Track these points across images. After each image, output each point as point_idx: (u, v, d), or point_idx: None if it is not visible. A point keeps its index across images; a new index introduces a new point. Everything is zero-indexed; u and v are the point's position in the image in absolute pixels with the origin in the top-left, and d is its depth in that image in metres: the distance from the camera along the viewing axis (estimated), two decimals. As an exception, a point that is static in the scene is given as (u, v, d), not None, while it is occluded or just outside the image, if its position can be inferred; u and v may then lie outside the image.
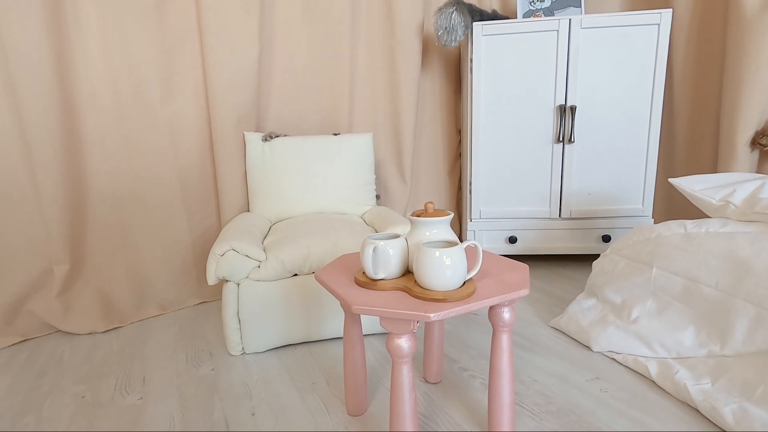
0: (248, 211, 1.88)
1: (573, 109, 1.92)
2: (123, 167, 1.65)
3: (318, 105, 2.00)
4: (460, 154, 2.40)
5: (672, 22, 1.96)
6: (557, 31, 1.89)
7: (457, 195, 2.43)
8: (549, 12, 2.08)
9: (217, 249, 1.30)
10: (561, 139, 1.97)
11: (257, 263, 1.34)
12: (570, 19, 1.87)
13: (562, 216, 2.05)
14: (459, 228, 2.44)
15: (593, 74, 1.91)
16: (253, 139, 1.79)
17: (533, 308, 1.65)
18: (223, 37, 1.71)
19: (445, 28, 1.89)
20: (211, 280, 1.30)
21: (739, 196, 1.26)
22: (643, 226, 1.39)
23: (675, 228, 1.28)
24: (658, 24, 1.84)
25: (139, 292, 1.72)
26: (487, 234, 2.12)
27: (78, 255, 1.62)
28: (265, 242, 1.46)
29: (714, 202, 1.30)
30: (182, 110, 1.74)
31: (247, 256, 1.33)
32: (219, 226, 1.89)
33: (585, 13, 2.06)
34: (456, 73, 2.33)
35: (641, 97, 1.91)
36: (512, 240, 2.10)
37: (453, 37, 1.90)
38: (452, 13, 1.87)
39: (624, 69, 1.89)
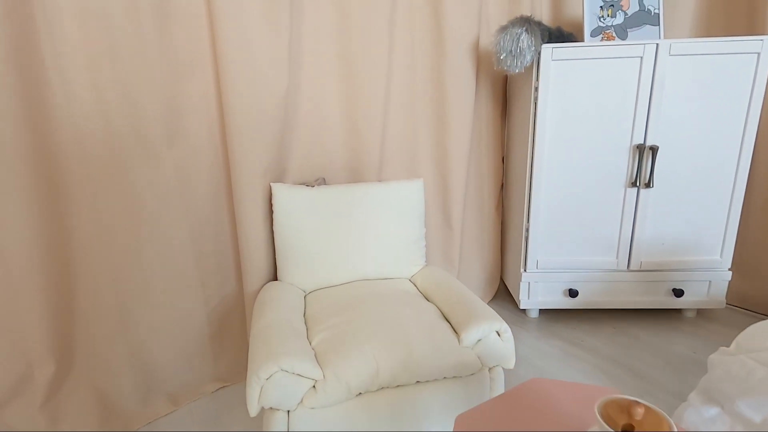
0: (274, 276, 1.55)
1: (654, 149, 1.65)
2: (119, 229, 1.29)
3: (351, 141, 1.66)
4: (503, 185, 2.12)
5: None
6: (641, 57, 1.59)
7: (501, 232, 2.15)
8: (621, 30, 1.78)
9: (262, 371, 0.98)
10: (636, 182, 1.70)
11: (312, 382, 1.04)
12: (657, 44, 1.57)
13: (631, 267, 1.80)
14: (501, 268, 2.18)
15: (679, 109, 1.63)
16: (282, 190, 1.45)
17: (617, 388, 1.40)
18: (245, 63, 1.34)
19: (511, 51, 1.57)
20: (253, 411, 0.99)
21: None
22: (777, 320, 1.15)
23: (834, 335, 1.04)
24: (758, 53, 1.56)
25: (144, 383, 1.39)
26: (543, 286, 1.86)
27: (65, 348, 1.28)
28: (314, 343, 1.15)
29: None
30: (193, 154, 1.38)
31: (299, 375, 1.02)
32: (239, 293, 1.55)
33: (664, 32, 1.77)
34: (502, 92, 2.02)
35: (730, 136, 1.65)
36: (573, 294, 1.84)
37: (519, 63, 1.58)
38: (521, 34, 1.54)
39: (714, 103, 1.62)
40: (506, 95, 2.04)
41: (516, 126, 1.92)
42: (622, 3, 1.77)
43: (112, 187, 1.27)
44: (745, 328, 1.82)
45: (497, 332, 1.16)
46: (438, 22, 1.70)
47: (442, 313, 1.29)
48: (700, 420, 1.19)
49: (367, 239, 1.50)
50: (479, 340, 1.15)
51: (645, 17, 1.76)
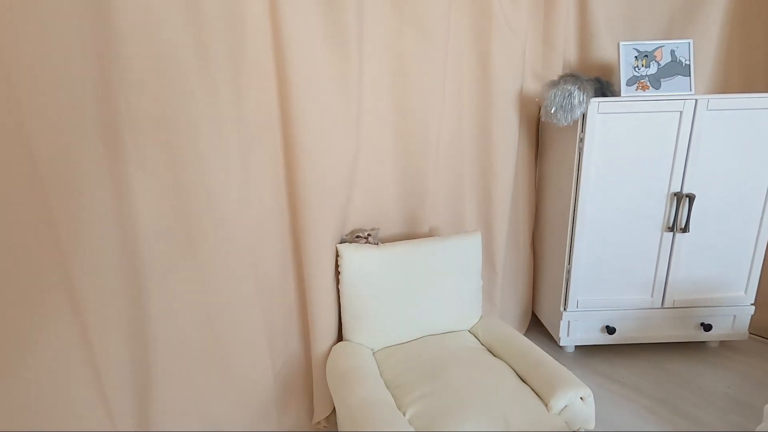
0: (338, 334, 1.54)
1: (691, 197, 1.74)
2: (191, 305, 1.26)
3: (404, 191, 1.67)
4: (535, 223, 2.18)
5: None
6: (681, 112, 1.68)
7: (534, 272, 2.21)
8: (655, 80, 1.86)
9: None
10: (673, 227, 1.79)
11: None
12: (696, 100, 1.66)
13: (665, 305, 1.90)
14: (531, 302, 2.24)
15: (713, 160, 1.72)
16: (350, 252, 1.45)
17: (674, 438, 1.49)
18: (316, 126, 1.33)
19: (562, 106, 1.62)
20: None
21: None
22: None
23: None
24: (786, 108, 1.68)
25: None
26: (582, 324, 1.94)
27: (139, 416, 1.24)
28: (408, 416, 1.16)
29: None
30: (261, 219, 1.36)
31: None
32: (304, 353, 1.54)
33: (695, 83, 1.86)
34: (535, 133, 2.07)
35: (759, 185, 1.76)
36: (611, 331, 1.93)
37: (569, 117, 1.63)
38: (573, 91, 1.59)
39: (744, 154, 1.72)
40: (538, 135, 2.09)
41: (552, 168, 1.98)
42: (655, 54, 1.85)
43: (186, 259, 1.23)
44: (765, 356, 1.97)
45: (581, 397, 1.21)
46: (485, 72, 1.73)
47: (517, 373, 1.33)
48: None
49: (430, 295, 1.52)
50: (565, 407, 1.19)
51: (677, 68, 1.85)
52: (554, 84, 1.63)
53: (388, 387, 1.29)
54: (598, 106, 1.66)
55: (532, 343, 1.42)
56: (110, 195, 1.07)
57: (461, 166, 1.81)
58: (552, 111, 1.64)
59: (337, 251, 1.47)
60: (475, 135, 1.80)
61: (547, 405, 1.20)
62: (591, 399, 1.21)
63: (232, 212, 1.26)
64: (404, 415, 1.16)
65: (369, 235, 1.50)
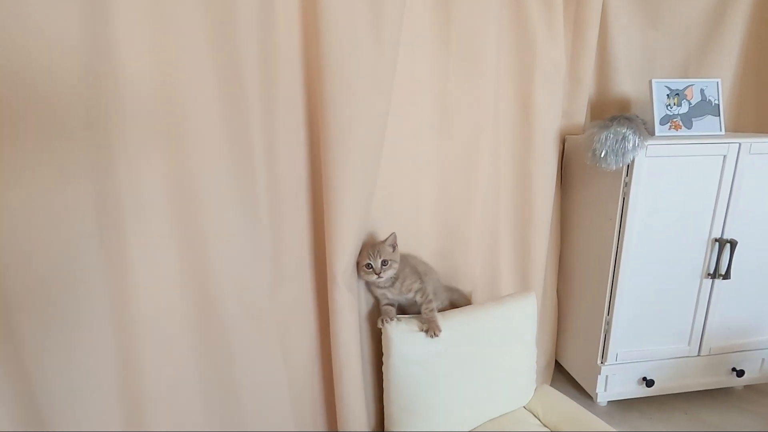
0: (377, 426, 1.27)
1: (733, 243, 1.67)
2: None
3: (442, 233, 1.45)
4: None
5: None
6: (725, 156, 1.60)
7: (557, 311, 2.06)
8: (686, 119, 1.79)
9: None
10: (713, 273, 1.71)
11: None
12: (740, 144, 1.59)
13: (701, 353, 1.82)
14: (554, 350, 2.09)
15: (751, 203, 1.67)
16: (398, 333, 1.19)
17: None
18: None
19: (614, 150, 1.48)
20: None
21: None
22: None
23: None
24: (819, 151, 1.66)
25: None
26: (619, 378, 1.80)
27: None
28: None
29: None
30: (293, 299, 1.07)
31: None
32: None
33: (725, 124, 1.82)
34: (559, 162, 1.92)
35: (789, 226, 1.73)
36: (649, 383, 1.81)
37: (620, 161, 1.50)
38: (627, 134, 1.46)
39: (779, 198, 1.68)
40: (562, 167, 1.95)
41: (582, 212, 1.84)
42: (686, 92, 1.78)
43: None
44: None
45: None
46: (526, 111, 1.56)
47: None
48: None
49: (487, 372, 1.29)
50: None
51: (707, 107, 1.79)
52: (605, 126, 1.49)
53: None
54: (647, 149, 1.54)
55: (607, 425, 1.23)
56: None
57: (496, 213, 1.61)
58: (602, 155, 1.49)
59: (381, 330, 1.21)
60: (512, 179, 1.62)
61: None
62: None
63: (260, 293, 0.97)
64: None
65: (383, 260, 1.19)
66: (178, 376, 0.93)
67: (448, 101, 1.33)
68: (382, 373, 1.24)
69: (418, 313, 1.25)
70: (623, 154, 1.47)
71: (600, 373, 1.79)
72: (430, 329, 1.20)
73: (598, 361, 1.79)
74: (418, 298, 1.25)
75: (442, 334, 1.22)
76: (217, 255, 0.91)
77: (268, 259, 1.02)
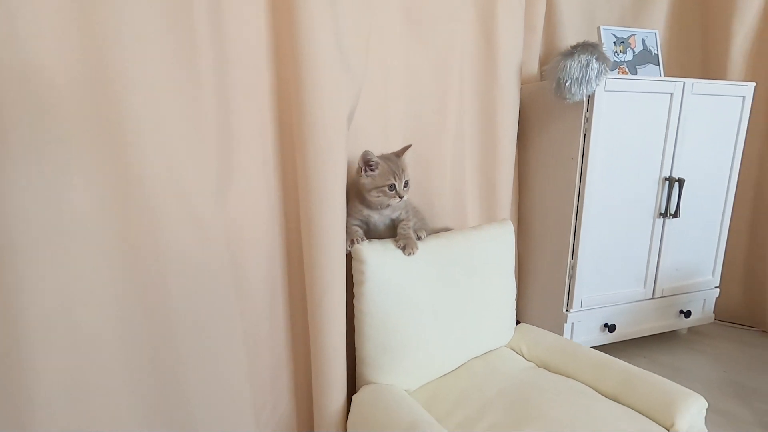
0: (350, 380, 1.06)
1: (681, 181, 1.72)
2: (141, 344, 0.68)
3: (414, 160, 1.30)
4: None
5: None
6: (672, 94, 1.65)
7: (518, 265, 1.99)
8: (632, 67, 1.84)
9: None
10: (665, 213, 1.75)
11: None
12: (684, 83, 1.66)
13: (655, 295, 1.85)
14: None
15: (692, 144, 1.74)
16: (373, 252, 1.01)
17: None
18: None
19: (576, 79, 1.45)
20: None
21: None
22: None
23: None
24: (744, 97, 1.78)
25: None
26: (585, 325, 1.77)
27: None
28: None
29: None
30: (245, 212, 0.84)
31: None
32: (298, 415, 1.02)
33: (664, 72, 1.90)
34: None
35: (721, 170, 1.84)
36: (611, 328, 1.79)
37: (583, 91, 1.47)
38: (591, 61, 1.43)
39: (710, 141, 1.78)
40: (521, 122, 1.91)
41: (541, 158, 1.81)
42: (630, 41, 1.84)
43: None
44: (730, 340, 2.05)
45: (696, 410, 0.97)
46: (489, 41, 1.49)
47: (598, 392, 1.04)
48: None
49: (470, 305, 1.15)
50: (689, 427, 0.93)
51: (648, 57, 1.87)
52: (569, 54, 1.46)
53: (464, 444, 0.87)
54: (605, 83, 1.53)
55: (602, 353, 1.15)
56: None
57: (462, 148, 1.51)
58: (567, 85, 1.46)
59: (351, 254, 1.02)
60: (477, 112, 1.53)
61: (670, 428, 0.92)
62: (704, 411, 0.98)
63: (205, 197, 0.74)
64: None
65: (406, 180, 1.04)
66: (103, 292, 0.67)
67: (418, 15, 1.20)
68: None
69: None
70: (588, 82, 1.45)
71: (566, 321, 1.73)
72: (408, 246, 1.04)
73: (564, 309, 1.74)
74: (402, 216, 1.09)
75: (421, 257, 1.06)
76: (151, 148, 0.68)
77: (213, 156, 0.79)
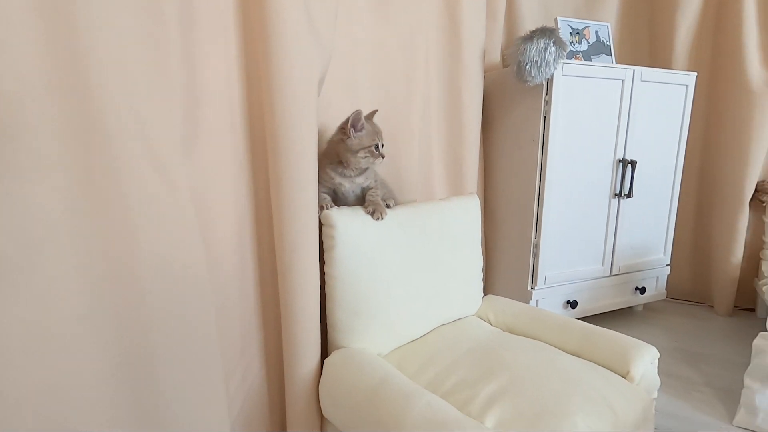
0: (330, 343, 1.06)
1: (633, 163, 1.83)
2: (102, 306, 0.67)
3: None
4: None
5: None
6: (623, 80, 1.76)
7: (485, 245, 2.05)
8: (587, 56, 1.95)
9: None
10: (619, 193, 1.85)
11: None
12: (634, 70, 1.77)
13: (612, 273, 1.95)
14: (484, 285, 2.07)
15: (642, 128, 1.85)
16: (344, 217, 1.02)
17: (673, 399, 1.45)
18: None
19: (536, 62, 1.52)
20: None
21: None
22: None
23: None
24: (687, 85, 1.92)
25: None
26: (549, 302, 1.84)
27: None
28: (490, 424, 0.79)
29: None
30: (210, 164, 0.84)
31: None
32: (269, 382, 1.01)
33: (616, 62, 2.02)
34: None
35: (669, 153, 1.96)
36: (573, 305, 1.87)
37: (543, 74, 1.54)
38: (549, 45, 1.51)
39: (659, 125, 1.90)
40: (485, 106, 1.98)
41: (504, 141, 1.88)
42: (585, 32, 1.95)
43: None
44: (680, 315, 2.19)
45: (649, 360, 1.03)
46: (454, 26, 1.54)
47: (567, 353, 1.09)
48: (771, 403, 1.29)
49: (438, 274, 1.18)
50: (643, 375, 0.99)
51: (601, 47, 1.98)
52: (529, 38, 1.53)
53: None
54: (563, 67, 1.62)
55: (562, 315, 1.21)
56: None
57: (429, 126, 1.55)
58: (527, 67, 1.52)
59: (320, 220, 1.02)
60: (442, 96, 1.57)
61: (626, 376, 0.98)
62: (656, 360, 1.05)
63: (171, 152, 0.73)
64: (484, 425, 0.79)
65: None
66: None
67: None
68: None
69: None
70: (546, 65, 1.52)
71: (531, 298, 1.80)
72: (377, 211, 1.06)
73: (529, 287, 1.81)
74: (371, 185, 1.11)
75: (390, 224, 1.08)
76: (117, 100, 0.66)
77: (179, 114, 0.78)
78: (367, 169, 1.11)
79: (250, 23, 0.86)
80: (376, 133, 1.09)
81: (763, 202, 2.04)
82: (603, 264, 1.92)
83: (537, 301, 1.81)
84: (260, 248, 0.96)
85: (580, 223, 1.82)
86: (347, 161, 1.05)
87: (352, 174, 1.09)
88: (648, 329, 1.98)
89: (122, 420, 0.72)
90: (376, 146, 1.07)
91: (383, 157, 1.09)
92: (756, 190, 2.04)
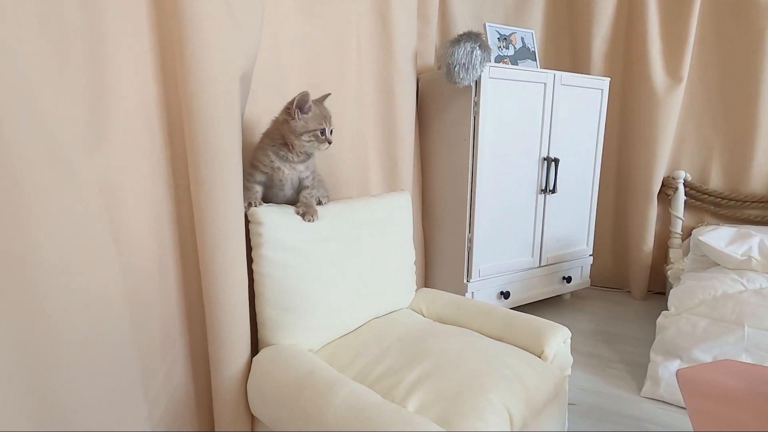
0: (260, 341, 1.05)
1: (556, 161, 1.97)
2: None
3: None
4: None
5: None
6: (545, 84, 1.89)
7: (423, 241, 2.11)
8: (514, 61, 2.07)
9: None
10: (544, 189, 1.98)
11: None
12: (554, 74, 1.90)
13: (541, 264, 2.08)
14: (424, 280, 2.14)
15: (564, 129, 2.00)
16: (272, 215, 1.02)
17: (590, 375, 1.58)
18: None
19: (463, 64, 1.60)
20: None
21: (755, 251, 1.54)
22: (690, 284, 1.53)
23: (733, 284, 1.46)
24: (602, 89, 2.10)
25: None
26: (483, 293, 1.93)
27: None
28: (412, 407, 0.83)
29: (738, 257, 1.55)
30: (122, 160, 0.81)
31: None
32: (195, 383, 0.99)
33: (540, 67, 2.15)
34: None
35: (589, 151, 2.13)
36: (506, 296, 1.98)
37: (470, 76, 1.63)
38: (475, 49, 1.59)
39: (580, 126, 2.06)
40: (418, 107, 2.04)
41: (438, 141, 1.95)
42: (511, 38, 2.07)
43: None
44: (603, 300, 2.37)
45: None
46: (385, 28, 1.58)
47: (490, 338, 1.16)
48: (669, 373, 1.44)
49: (370, 269, 1.21)
50: (556, 353, 1.08)
51: (527, 53, 2.11)
52: (457, 42, 1.60)
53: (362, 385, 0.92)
54: (489, 70, 1.71)
55: (489, 303, 1.28)
56: None
57: (363, 124, 1.58)
58: (456, 70, 1.60)
59: (247, 217, 1.02)
60: (375, 95, 1.61)
61: (541, 355, 1.06)
62: (569, 340, 1.14)
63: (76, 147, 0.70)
64: (406, 408, 0.83)
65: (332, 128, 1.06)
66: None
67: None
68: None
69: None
70: (473, 68, 1.60)
71: (467, 291, 1.88)
72: (308, 213, 1.06)
73: (465, 279, 1.89)
74: (308, 182, 1.10)
75: (322, 219, 1.09)
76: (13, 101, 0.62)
77: (85, 110, 0.75)
78: (310, 156, 1.09)
79: (164, 14, 0.84)
80: (324, 117, 1.05)
81: (668, 196, 2.26)
82: (532, 256, 2.04)
83: (473, 293, 1.90)
84: (183, 247, 0.94)
85: (511, 217, 1.93)
86: (292, 144, 1.03)
87: (295, 159, 1.05)
88: (574, 315, 2.14)
89: (23, 428, 0.68)
90: (323, 131, 1.03)
91: (330, 143, 1.05)
92: (663, 185, 2.27)
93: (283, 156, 1.04)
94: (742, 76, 2.09)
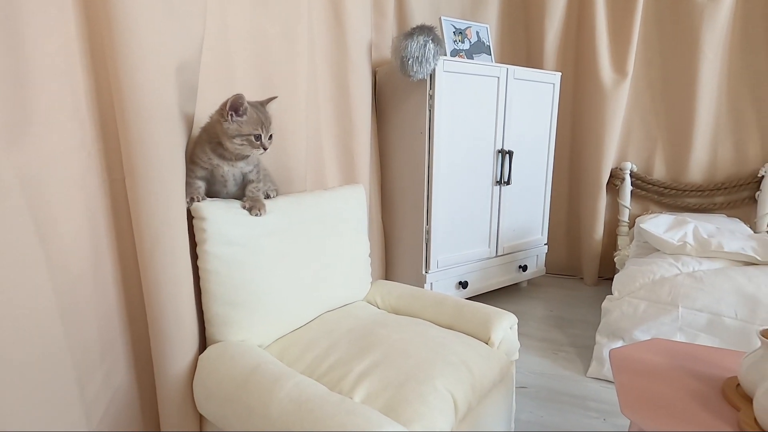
0: (199, 340, 1.03)
1: (510, 153, 2.02)
2: None
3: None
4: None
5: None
6: (498, 78, 1.93)
7: (383, 234, 2.13)
8: (469, 55, 2.10)
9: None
10: (500, 181, 2.04)
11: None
12: (507, 69, 1.95)
13: (498, 254, 2.14)
14: (384, 272, 2.15)
15: (518, 122, 2.06)
16: (216, 209, 1.00)
17: (541, 359, 1.65)
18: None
19: (417, 57, 1.61)
20: None
21: (690, 237, 1.65)
22: (632, 269, 1.62)
23: (669, 268, 1.55)
24: (554, 83, 2.16)
25: None
26: (442, 283, 1.97)
27: None
28: (358, 398, 0.84)
29: (674, 242, 1.65)
30: (47, 154, 0.77)
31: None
32: (139, 383, 0.96)
33: (494, 61, 2.19)
34: (373, 94, 2.02)
35: (543, 144, 2.20)
36: (464, 285, 2.03)
37: (424, 69, 1.64)
38: (428, 42, 1.60)
39: (534, 119, 2.13)
40: (375, 100, 2.04)
41: (396, 134, 1.96)
42: (467, 32, 2.10)
43: None
44: (557, 287, 2.47)
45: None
46: (340, 22, 1.56)
47: (437, 324, 1.19)
48: (615, 354, 1.51)
49: (321, 262, 1.21)
50: (502, 339, 1.12)
51: (482, 47, 2.15)
52: (410, 35, 1.61)
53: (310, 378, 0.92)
54: (443, 64, 1.73)
55: (441, 293, 1.31)
56: None
57: (317, 117, 1.56)
58: (409, 63, 1.61)
59: (190, 212, 0.99)
60: (330, 89, 1.60)
61: (488, 342, 1.09)
62: (516, 326, 1.18)
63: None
64: (352, 399, 0.84)
65: (271, 134, 1.04)
66: None
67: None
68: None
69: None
70: (427, 61, 1.62)
71: (426, 282, 1.91)
72: (255, 207, 1.05)
73: (423, 271, 1.92)
74: (253, 176, 1.08)
75: (270, 216, 1.08)
76: None
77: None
78: (248, 155, 1.07)
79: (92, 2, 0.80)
80: (261, 122, 1.01)
81: (616, 186, 2.38)
82: (489, 246, 2.10)
83: (431, 284, 1.93)
84: (121, 243, 0.90)
85: (467, 209, 1.97)
86: (216, 146, 1.01)
87: (232, 158, 1.03)
88: (530, 302, 2.21)
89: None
90: (258, 137, 1.01)
91: (265, 149, 1.03)
92: (611, 176, 2.38)
93: (220, 154, 1.02)
94: (681, 74, 2.21)
